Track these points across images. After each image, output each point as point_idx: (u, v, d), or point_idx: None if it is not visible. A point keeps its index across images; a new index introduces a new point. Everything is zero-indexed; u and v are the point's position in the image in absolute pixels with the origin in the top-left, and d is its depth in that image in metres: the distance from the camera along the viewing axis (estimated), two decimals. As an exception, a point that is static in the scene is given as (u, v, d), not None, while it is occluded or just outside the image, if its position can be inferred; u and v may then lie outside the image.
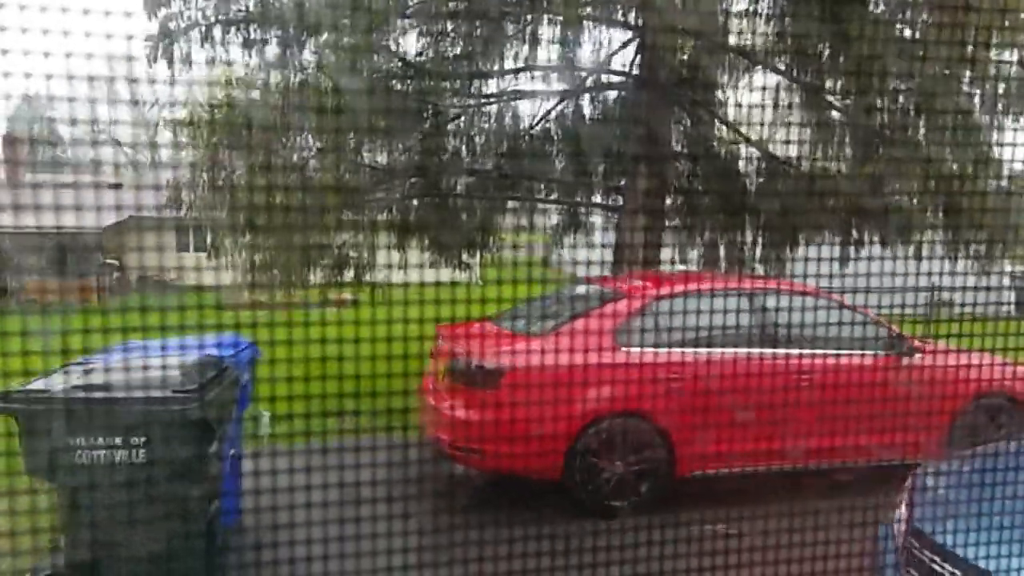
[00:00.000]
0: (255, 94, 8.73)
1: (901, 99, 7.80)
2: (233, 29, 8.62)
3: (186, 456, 3.60)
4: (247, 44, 8.71)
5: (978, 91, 7.57)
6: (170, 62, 8.65)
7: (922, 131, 7.87)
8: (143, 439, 3.55)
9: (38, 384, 3.71)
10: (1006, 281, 9.35)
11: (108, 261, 17.01)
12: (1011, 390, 5.97)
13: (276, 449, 3.95)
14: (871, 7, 8.32)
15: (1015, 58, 7.21)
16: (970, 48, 6.12)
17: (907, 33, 8.09)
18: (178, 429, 3.59)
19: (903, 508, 3.50)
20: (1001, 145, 7.72)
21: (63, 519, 3.73)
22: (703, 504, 5.28)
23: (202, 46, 8.65)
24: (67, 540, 3.72)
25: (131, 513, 3.48)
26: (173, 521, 3.61)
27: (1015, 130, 7.39)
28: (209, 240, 9.10)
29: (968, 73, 7.12)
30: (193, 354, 4.22)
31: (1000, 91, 7.60)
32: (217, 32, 8.61)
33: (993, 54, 6.74)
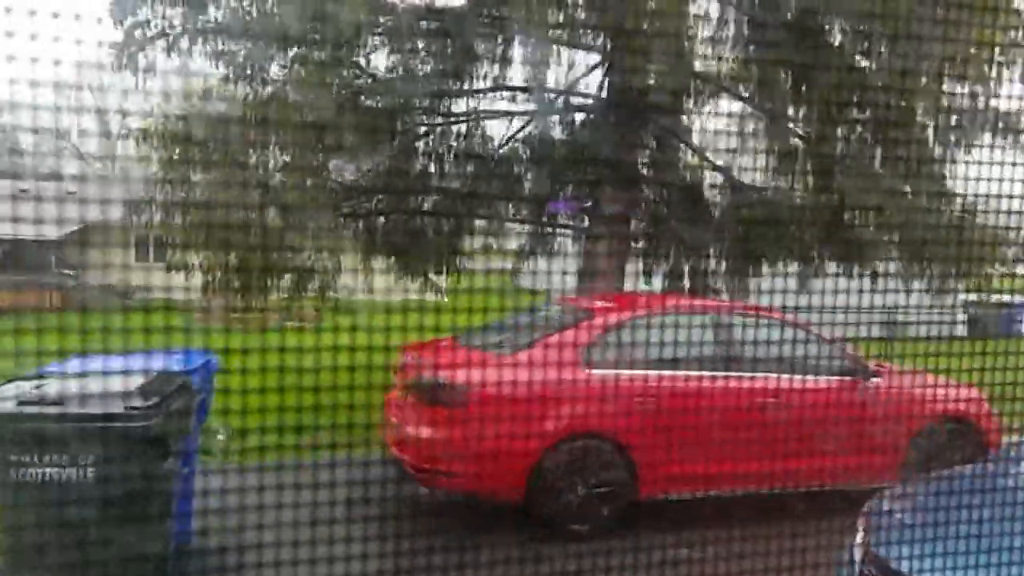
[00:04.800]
0: (221, 106, 8.64)
1: (860, 128, 7.98)
2: (201, 40, 8.52)
3: (138, 474, 3.50)
4: (215, 56, 8.62)
5: (932, 122, 7.76)
6: (135, 71, 8.52)
7: (879, 160, 8.06)
8: (92, 456, 3.44)
9: (-14, 397, 3.59)
10: (959, 306, 9.57)
11: (64, 271, 16.62)
12: (967, 413, 6.07)
13: (232, 466, 3.87)
14: (831, 39, 8.53)
15: (967, 91, 7.42)
16: (924, 80, 6.31)
17: (865, 64, 8.29)
18: (130, 446, 3.49)
19: (861, 533, 3.54)
20: (954, 176, 7.91)
21: (3, 542, 3.59)
22: (665, 527, 5.29)
23: (168, 56, 8.54)
24: (6, 565, 3.58)
25: (77, 536, 3.37)
26: (123, 542, 3.50)
27: (967, 162, 7.59)
28: (169, 252, 8.94)
29: (923, 105, 7.31)
30: (149, 367, 4.12)
31: (953, 123, 7.80)
32: (184, 42, 8.50)
33: (946, 87, 6.94)
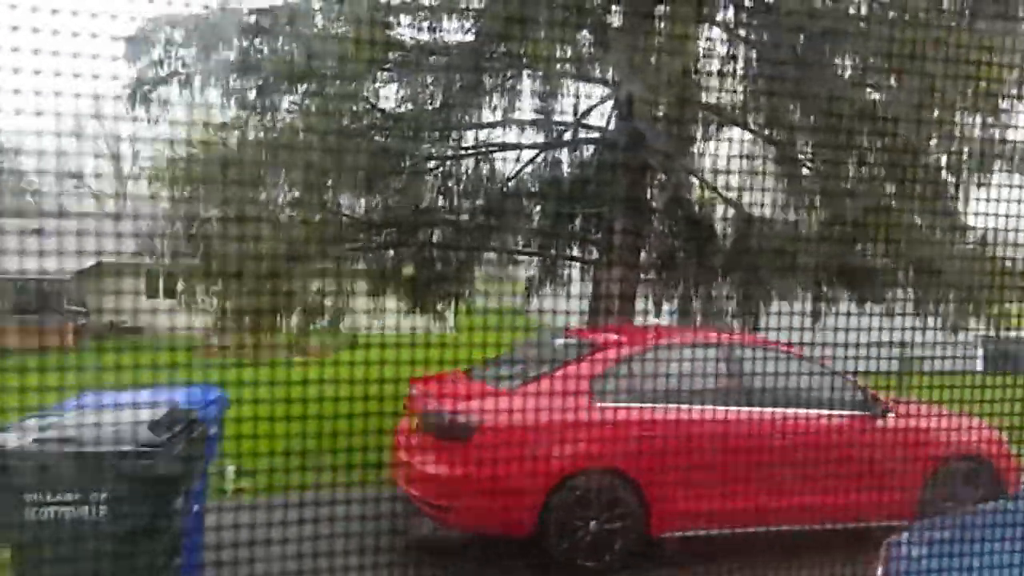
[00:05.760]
0: (232, 142, 8.73)
1: (871, 159, 7.97)
2: (213, 78, 8.65)
3: (149, 513, 3.47)
4: (226, 93, 8.74)
5: (945, 154, 7.76)
6: (148, 109, 8.65)
7: (890, 191, 8.04)
8: (104, 495, 3.42)
9: (-5, 437, 3.58)
10: (976, 341, 9.45)
11: (74, 308, 16.69)
12: (983, 450, 5.97)
13: (241, 503, 3.85)
14: (841, 70, 8.57)
15: (979, 122, 7.43)
16: (936, 112, 6.32)
17: (876, 96, 8.32)
18: (141, 485, 3.47)
19: (879, 572, 3.47)
20: (968, 208, 7.89)
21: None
22: (677, 565, 5.21)
23: (181, 94, 8.67)
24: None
25: (89, 572, 3.34)
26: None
27: (981, 194, 7.57)
28: (180, 287, 8.98)
29: (935, 136, 7.31)
30: (159, 405, 4.11)
31: (965, 154, 7.79)
32: (196, 81, 8.63)
33: (958, 118, 6.95)
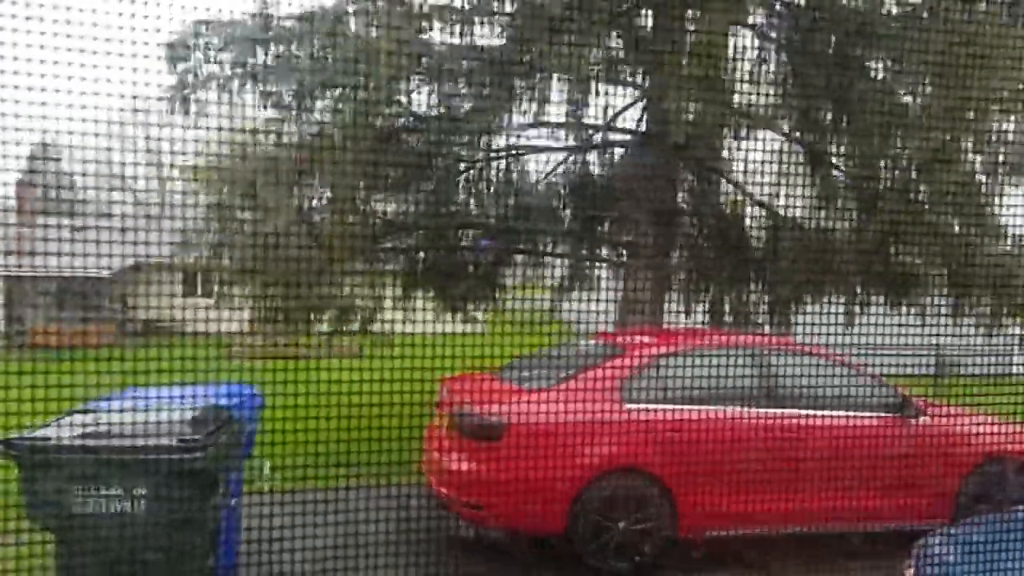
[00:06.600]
0: (268, 145, 8.88)
1: (904, 161, 7.88)
2: (249, 82, 8.82)
3: (188, 506, 3.57)
4: (262, 96, 8.91)
5: (979, 156, 7.65)
6: (186, 112, 8.85)
7: (924, 194, 7.94)
8: (145, 489, 3.53)
9: (41, 431, 3.70)
10: (1016, 343, 9.27)
11: (114, 306, 17.03)
12: (1020, 454, 5.89)
13: (277, 498, 3.93)
14: (873, 73, 8.48)
15: (1013, 126, 7.32)
16: (971, 114, 6.24)
17: (909, 98, 8.23)
18: (181, 479, 3.57)
19: (909, 574, 3.45)
20: (1002, 207, 7.76)
21: (60, 569, 3.68)
22: (707, 565, 5.21)
23: (218, 97, 8.85)
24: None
25: (130, 564, 3.44)
26: (171, 572, 3.56)
27: (1018, 193, 7.45)
28: (216, 287, 9.14)
29: (971, 138, 7.21)
30: (197, 403, 4.21)
31: (1001, 156, 7.68)
32: (234, 84, 8.81)
33: (994, 120, 6.85)
